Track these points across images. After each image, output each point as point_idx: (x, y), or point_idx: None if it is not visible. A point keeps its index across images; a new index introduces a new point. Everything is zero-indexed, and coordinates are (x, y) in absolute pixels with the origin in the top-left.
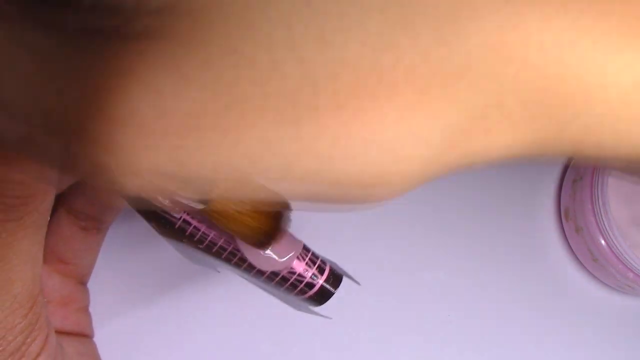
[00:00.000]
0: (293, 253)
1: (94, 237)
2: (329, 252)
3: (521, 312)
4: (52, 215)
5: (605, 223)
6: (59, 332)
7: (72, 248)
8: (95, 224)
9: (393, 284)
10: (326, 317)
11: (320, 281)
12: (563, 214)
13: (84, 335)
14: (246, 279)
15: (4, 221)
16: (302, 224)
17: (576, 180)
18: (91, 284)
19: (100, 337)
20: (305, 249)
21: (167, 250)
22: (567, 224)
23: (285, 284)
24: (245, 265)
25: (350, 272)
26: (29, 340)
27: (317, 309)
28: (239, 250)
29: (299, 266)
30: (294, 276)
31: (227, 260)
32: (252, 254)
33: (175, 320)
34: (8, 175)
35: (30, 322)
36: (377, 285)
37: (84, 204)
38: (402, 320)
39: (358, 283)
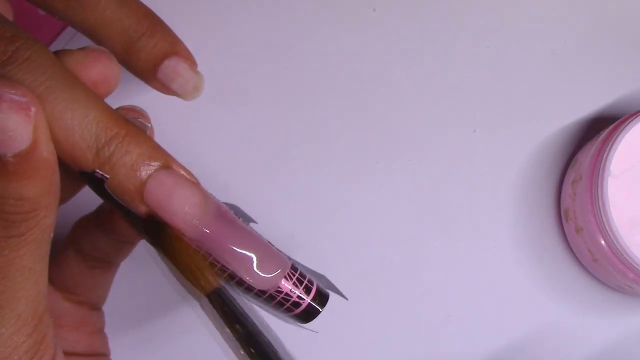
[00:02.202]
0: (280, 271)
1: (102, 275)
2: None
3: (521, 312)
4: (60, 253)
5: (605, 223)
6: (71, 354)
7: (82, 285)
8: (103, 264)
9: (392, 284)
10: (313, 331)
11: (307, 301)
12: (563, 215)
13: (100, 355)
14: (238, 293)
15: (5, 238)
16: (295, 236)
17: (576, 180)
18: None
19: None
20: (293, 268)
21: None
22: (567, 224)
23: (273, 301)
24: (234, 281)
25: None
26: (35, 359)
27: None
28: (227, 268)
29: (286, 285)
30: (281, 295)
31: (218, 275)
32: (244, 271)
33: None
34: (8, 191)
35: (35, 341)
36: (376, 283)
37: (91, 247)
38: (401, 318)
39: (346, 298)
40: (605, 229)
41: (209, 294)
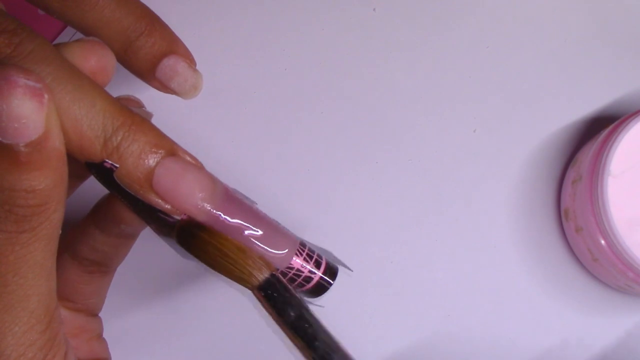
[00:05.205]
0: (291, 248)
1: (100, 280)
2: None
3: (521, 312)
4: (57, 259)
5: (605, 223)
6: None
7: (79, 291)
8: (100, 268)
9: (391, 284)
10: (319, 306)
11: (318, 275)
12: (563, 214)
13: None
14: None
15: (17, 233)
16: (302, 220)
17: (576, 180)
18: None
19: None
20: (302, 244)
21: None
22: (567, 224)
23: (284, 278)
24: None
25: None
26: (49, 356)
27: (313, 300)
28: None
29: (297, 261)
30: (292, 271)
31: None
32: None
33: (177, 325)
34: (19, 184)
35: (49, 338)
36: (375, 283)
37: (87, 251)
38: (401, 317)
39: (351, 270)
40: (605, 228)
41: (254, 289)
